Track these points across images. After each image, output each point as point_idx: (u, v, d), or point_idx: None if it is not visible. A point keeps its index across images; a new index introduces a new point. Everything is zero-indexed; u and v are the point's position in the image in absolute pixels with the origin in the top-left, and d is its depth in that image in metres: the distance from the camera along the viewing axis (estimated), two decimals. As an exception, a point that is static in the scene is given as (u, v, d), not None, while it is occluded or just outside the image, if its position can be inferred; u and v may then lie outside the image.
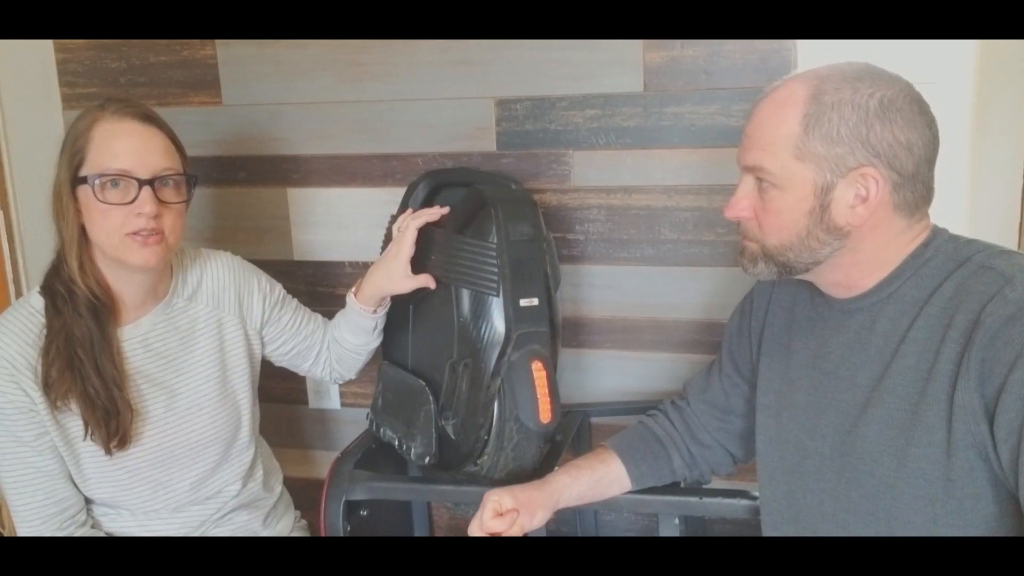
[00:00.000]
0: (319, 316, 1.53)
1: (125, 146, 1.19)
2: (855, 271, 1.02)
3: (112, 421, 1.23)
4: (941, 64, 1.36)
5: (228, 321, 1.38)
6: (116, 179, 1.18)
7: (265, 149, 1.70)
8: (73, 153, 1.19)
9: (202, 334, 1.35)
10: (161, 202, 1.20)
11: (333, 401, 1.80)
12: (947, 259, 0.98)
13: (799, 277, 1.06)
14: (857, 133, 0.95)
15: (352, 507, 1.38)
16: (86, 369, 1.21)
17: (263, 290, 1.43)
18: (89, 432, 1.23)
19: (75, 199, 1.20)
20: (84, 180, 1.19)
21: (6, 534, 1.79)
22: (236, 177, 1.73)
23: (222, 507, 1.38)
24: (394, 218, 1.49)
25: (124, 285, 1.27)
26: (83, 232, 1.22)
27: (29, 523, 1.25)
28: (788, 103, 0.98)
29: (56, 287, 1.23)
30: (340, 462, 1.43)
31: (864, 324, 1.02)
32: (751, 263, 1.06)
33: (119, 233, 1.19)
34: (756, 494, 1.20)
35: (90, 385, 1.21)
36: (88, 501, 1.30)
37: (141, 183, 1.18)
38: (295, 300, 1.51)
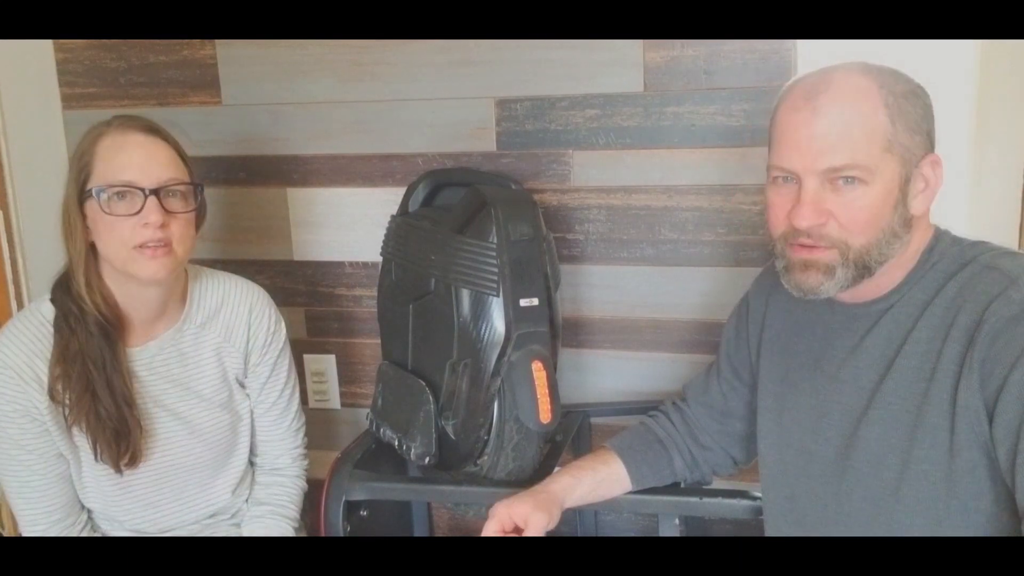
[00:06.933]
0: (283, 449, 1.44)
1: (128, 158, 1.18)
2: (886, 275, 0.99)
3: (123, 441, 1.23)
4: (941, 64, 1.36)
5: (231, 354, 1.36)
6: (122, 191, 1.17)
7: (265, 149, 1.70)
8: (79, 169, 1.19)
9: (208, 362, 1.34)
10: (167, 212, 1.19)
11: (333, 401, 1.79)
12: (951, 261, 0.97)
13: None
14: (923, 122, 0.96)
15: (352, 507, 1.38)
16: (99, 389, 1.21)
17: (263, 342, 1.38)
18: (99, 453, 1.23)
19: (83, 215, 1.19)
20: (91, 194, 1.18)
21: (6, 534, 1.79)
22: (236, 177, 1.72)
23: (208, 520, 1.38)
24: (394, 218, 1.49)
25: (133, 302, 1.25)
26: (91, 249, 1.21)
27: (37, 526, 1.26)
28: (863, 97, 0.94)
29: (67, 304, 1.22)
30: (340, 462, 1.43)
31: (866, 326, 1.02)
32: (827, 276, 0.96)
33: (127, 246, 1.17)
34: (757, 494, 1.20)
35: (102, 406, 1.21)
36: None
37: (146, 193, 1.17)
38: (289, 396, 1.43)
